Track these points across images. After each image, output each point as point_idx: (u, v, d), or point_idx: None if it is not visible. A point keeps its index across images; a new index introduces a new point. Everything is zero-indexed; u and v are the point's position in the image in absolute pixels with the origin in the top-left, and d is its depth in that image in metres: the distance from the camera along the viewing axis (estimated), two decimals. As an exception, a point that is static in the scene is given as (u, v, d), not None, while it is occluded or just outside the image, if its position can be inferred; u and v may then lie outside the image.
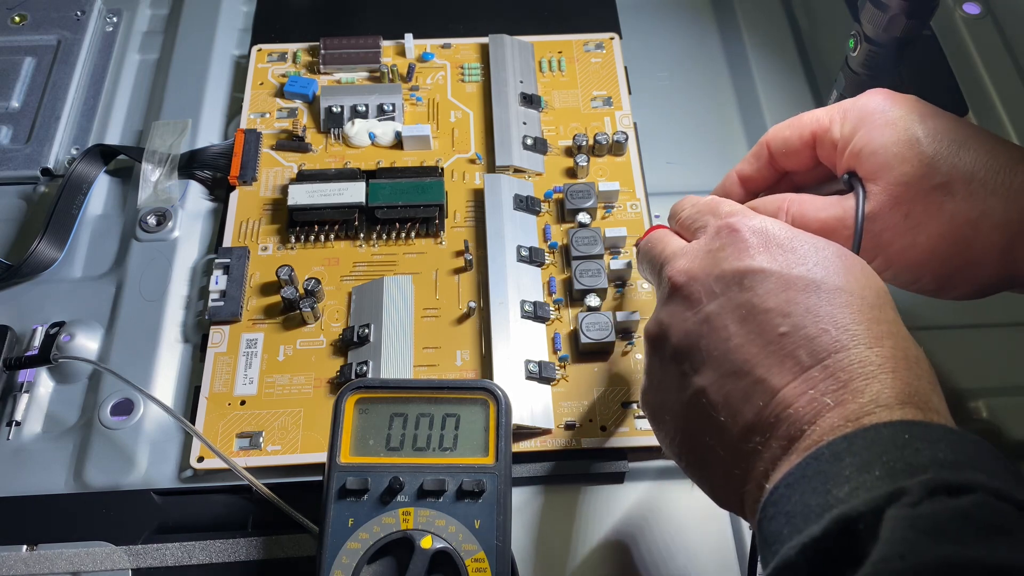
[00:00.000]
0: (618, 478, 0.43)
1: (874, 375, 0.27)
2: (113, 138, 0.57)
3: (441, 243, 0.50)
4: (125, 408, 0.45)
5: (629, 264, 0.48)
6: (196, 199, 0.53)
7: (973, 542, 0.21)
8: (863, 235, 0.35)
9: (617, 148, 0.53)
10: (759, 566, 0.28)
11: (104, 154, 0.54)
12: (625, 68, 0.58)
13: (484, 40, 0.59)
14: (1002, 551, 0.21)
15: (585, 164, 0.52)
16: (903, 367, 0.28)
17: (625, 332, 0.46)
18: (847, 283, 0.30)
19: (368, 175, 0.51)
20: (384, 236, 0.50)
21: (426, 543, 0.35)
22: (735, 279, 0.31)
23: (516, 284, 0.47)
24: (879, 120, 0.36)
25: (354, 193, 0.50)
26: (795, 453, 0.27)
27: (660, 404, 0.33)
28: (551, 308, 0.47)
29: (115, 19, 0.62)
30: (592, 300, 0.46)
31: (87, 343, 0.47)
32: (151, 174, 0.52)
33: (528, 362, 0.44)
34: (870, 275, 0.31)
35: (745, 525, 0.42)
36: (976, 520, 0.22)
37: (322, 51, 0.58)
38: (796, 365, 0.28)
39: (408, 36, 0.58)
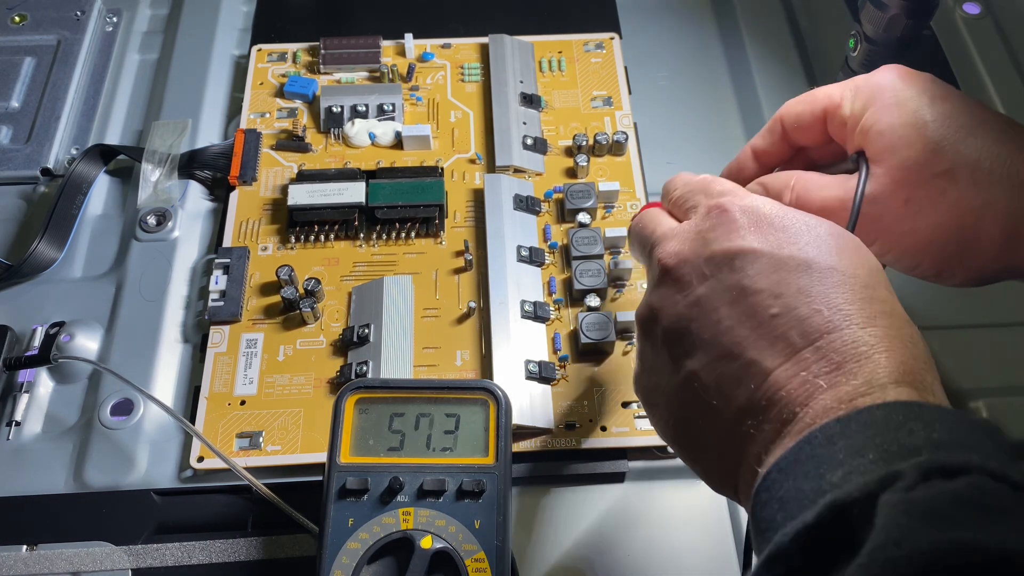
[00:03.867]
0: (618, 478, 0.43)
1: (867, 356, 0.27)
2: (113, 138, 0.57)
3: (441, 243, 0.50)
4: (125, 408, 0.45)
5: (629, 264, 0.48)
6: (196, 199, 0.53)
7: (969, 525, 0.21)
8: (863, 217, 0.34)
9: (617, 148, 0.53)
10: (754, 556, 0.28)
11: (104, 154, 0.54)
12: (625, 68, 0.58)
13: (484, 40, 0.59)
14: (997, 533, 0.20)
15: (585, 164, 0.52)
16: (897, 346, 0.27)
17: (625, 332, 0.46)
18: (839, 262, 0.29)
19: (368, 175, 0.51)
20: (384, 236, 0.50)
21: (426, 543, 0.35)
22: (725, 260, 0.30)
23: (516, 284, 0.47)
24: (889, 100, 0.35)
25: (354, 193, 0.50)
26: (788, 436, 0.27)
27: (653, 388, 0.33)
28: (551, 308, 0.47)
29: (115, 19, 0.62)
30: (592, 300, 0.46)
31: (87, 343, 0.47)
32: (151, 174, 0.52)
33: (528, 362, 0.44)
34: (864, 253, 0.31)
35: (745, 524, 0.42)
36: (971, 502, 0.21)
37: (322, 51, 0.58)
38: (788, 347, 0.28)
39: (408, 36, 0.58)
